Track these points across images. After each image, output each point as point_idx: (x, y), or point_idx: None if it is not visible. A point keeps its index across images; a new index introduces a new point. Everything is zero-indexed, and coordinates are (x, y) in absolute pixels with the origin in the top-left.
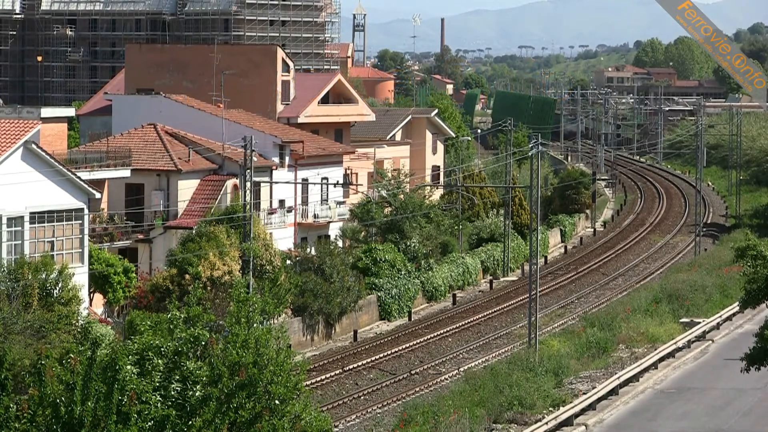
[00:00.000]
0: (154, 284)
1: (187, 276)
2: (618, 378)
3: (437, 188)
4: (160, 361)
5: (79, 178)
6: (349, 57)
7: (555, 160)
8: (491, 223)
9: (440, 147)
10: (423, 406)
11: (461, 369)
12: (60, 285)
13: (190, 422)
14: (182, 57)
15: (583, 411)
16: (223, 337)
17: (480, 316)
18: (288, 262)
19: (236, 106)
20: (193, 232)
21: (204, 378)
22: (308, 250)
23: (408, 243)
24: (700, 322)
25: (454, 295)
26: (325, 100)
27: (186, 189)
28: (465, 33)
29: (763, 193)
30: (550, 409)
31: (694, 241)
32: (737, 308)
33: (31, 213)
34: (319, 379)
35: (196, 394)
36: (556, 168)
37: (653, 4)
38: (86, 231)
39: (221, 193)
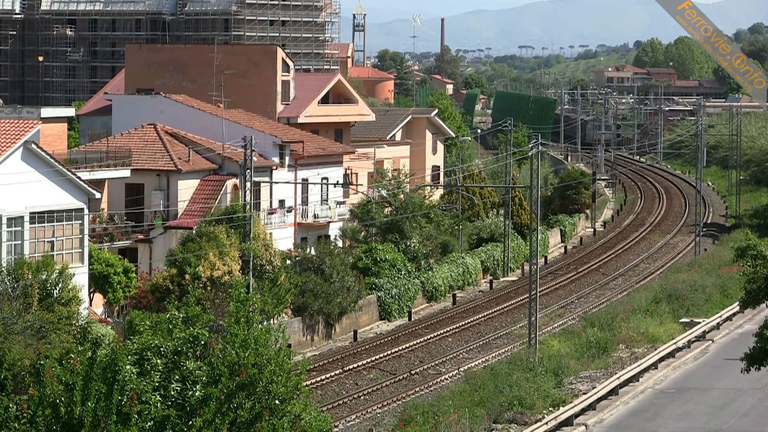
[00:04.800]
0: (154, 284)
1: (186, 276)
2: (618, 378)
3: (437, 188)
4: (159, 360)
5: (79, 178)
6: (349, 57)
7: (555, 160)
8: (491, 223)
9: (440, 147)
10: (423, 406)
11: (461, 369)
12: (60, 285)
13: (190, 422)
14: (182, 57)
15: (583, 411)
16: (222, 337)
17: (480, 316)
18: (288, 262)
19: (236, 106)
20: (193, 232)
21: (204, 378)
22: (308, 250)
23: (408, 243)
24: (700, 322)
25: (454, 295)
26: (325, 100)
27: (186, 189)
28: (465, 33)
29: (763, 193)
30: (550, 409)
31: (694, 241)
32: (737, 308)
33: (31, 213)
34: (319, 379)
35: (196, 394)
36: (556, 168)
37: (653, 4)
38: (86, 231)
39: (221, 193)
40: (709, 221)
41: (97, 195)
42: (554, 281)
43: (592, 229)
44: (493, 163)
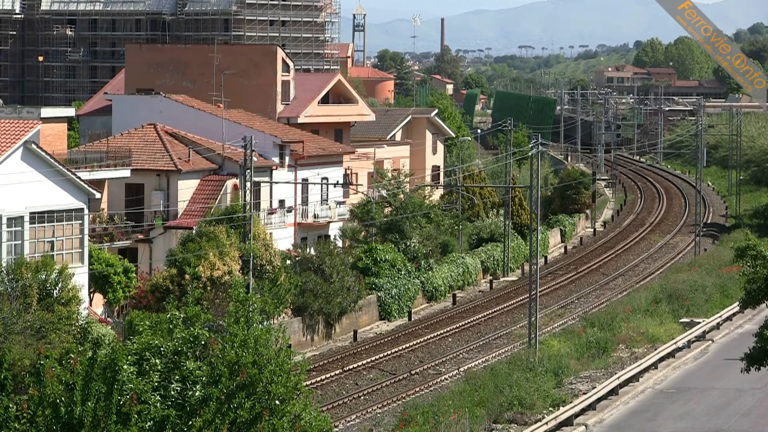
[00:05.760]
0: (154, 284)
1: (186, 276)
2: (618, 378)
3: (437, 188)
4: (158, 360)
5: (79, 178)
6: (349, 57)
7: (555, 160)
8: (491, 223)
9: (440, 147)
10: (423, 406)
11: (461, 369)
12: (60, 285)
13: (190, 422)
14: (182, 57)
15: (583, 411)
16: (222, 336)
17: (480, 316)
18: (288, 262)
19: (236, 106)
20: (193, 232)
21: (204, 378)
22: (308, 250)
23: (408, 243)
24: (700, 322)
25: (454, 295)
26: (325, 100)
27: (186, 189)
28: (465, 33)
29: (763, 193)
30: (550, 409)
31: (694, 241)
32: (737, 308)
33: (31, 213)
34: (319, 379)
35: (196, 394)
36: (556, 168)
37: (653, 4)
38: (86, 231)
39: (221, 193)
40: (709, 221)
41: (97, 195)
42: (554, 281)
43: (592, 229)
44: (493, 163)
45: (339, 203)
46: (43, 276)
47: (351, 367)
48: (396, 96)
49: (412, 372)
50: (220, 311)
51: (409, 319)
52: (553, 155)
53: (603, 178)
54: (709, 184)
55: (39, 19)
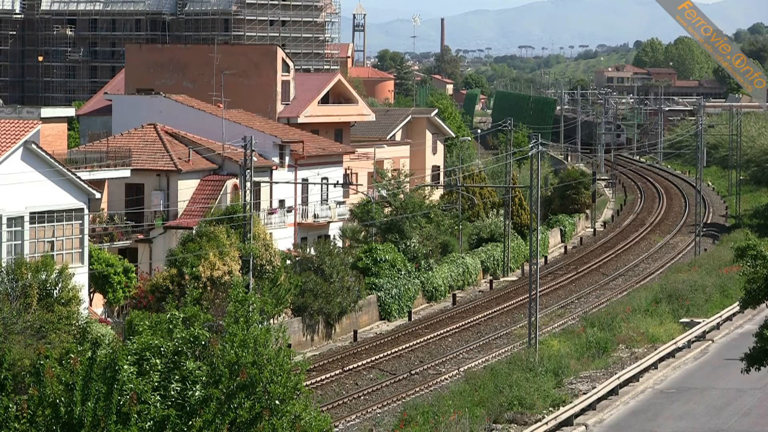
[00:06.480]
0: (154, 284)
1: (186, 276)
2: (618, 378)
3: (437, 188)
4: (157, 360)
5: (79, 178)
6: (349, 57)
7: (555, 160)
8: (491, 223)
9: (440, 147)
10: (423, 406)
11: (461, 369)
12: (60, 285)
13: (190, 422)
14: (182, 57)
15: (583, 411)
16: (221, 336)
17: (480, 316)
18: (288, 262)
19: (236, 106)
20: (193, 232)
21: (204, 378)
22: (308, 250)
23: (408, 243)
24: (700, 322)
25: (454, 295)
26: (325, 100)
27: (186, 189)
28: (465, 33)
29: (763, 193)
30: (550, 409)
31: (694, 241)
32: (737, 308)
33: (31, 213)
34: (319, 379)
35: (196, 394)
36: (556, 168)
37: (653, 4)
38: (86, 231)
39: (221, 193)
40: (709, 221)
41: (97, 195)
42: (554, 281)
43: (592, 229)
44: (493, 163)
45: (339, 203)
46: (43, 276)
47: (351, 367)
48: (396, 96)
49: (412, 372)
50: (220, 311)
51: (409, 319)
52: (553, 155)
53: (603, 178)
54: (709, 184)
55: (39, 19)
